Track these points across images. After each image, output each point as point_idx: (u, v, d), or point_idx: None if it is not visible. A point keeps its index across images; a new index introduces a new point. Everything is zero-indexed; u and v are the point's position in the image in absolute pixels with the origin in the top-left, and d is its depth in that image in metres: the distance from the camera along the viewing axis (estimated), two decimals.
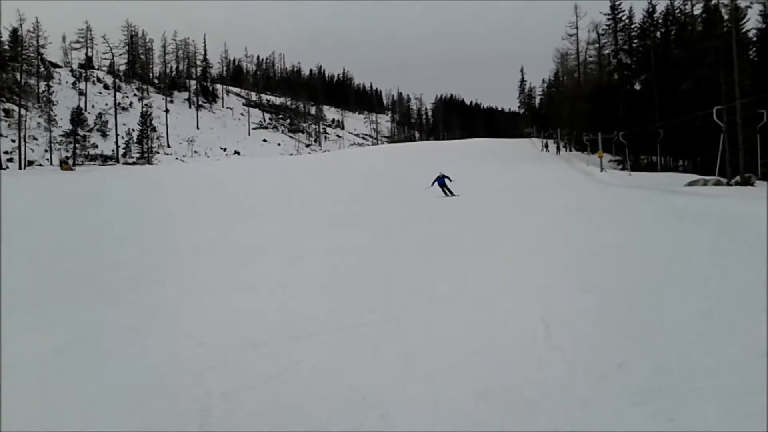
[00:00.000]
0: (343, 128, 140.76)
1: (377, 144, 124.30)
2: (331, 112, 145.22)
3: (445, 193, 24.20)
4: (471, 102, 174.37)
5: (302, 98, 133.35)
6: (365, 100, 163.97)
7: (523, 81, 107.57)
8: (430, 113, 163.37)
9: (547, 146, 63.02)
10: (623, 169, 43.01)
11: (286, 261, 9.97)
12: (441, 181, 24.62)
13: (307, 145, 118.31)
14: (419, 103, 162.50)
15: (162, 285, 8.43)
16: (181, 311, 6.92)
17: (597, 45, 64.12)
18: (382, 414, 3.95)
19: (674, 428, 3.56)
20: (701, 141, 37.48)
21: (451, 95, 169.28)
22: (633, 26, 55.90)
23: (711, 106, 31.06)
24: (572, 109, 64.12)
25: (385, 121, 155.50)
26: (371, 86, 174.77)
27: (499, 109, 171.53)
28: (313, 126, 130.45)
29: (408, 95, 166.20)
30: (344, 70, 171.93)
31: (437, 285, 7.59)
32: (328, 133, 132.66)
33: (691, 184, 27.24)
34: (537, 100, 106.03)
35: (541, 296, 6.58)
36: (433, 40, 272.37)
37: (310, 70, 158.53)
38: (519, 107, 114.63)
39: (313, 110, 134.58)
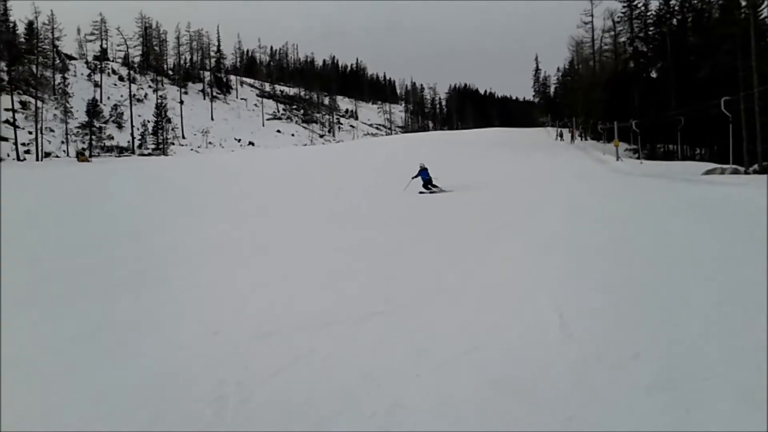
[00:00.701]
0: (356, 118, 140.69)
1: (391, 134, 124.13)
2: (344, 103, 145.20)
3: (429, 189, 21.38)
4: (485, 91, 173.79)
5: (316, 89, 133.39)
6: (379, 90, 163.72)
7: (537, 70, 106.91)
8: (443, 103, 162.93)
9: (561, 135, 62.51)
10: (638, 158, 42.65)
11: (294, 255, 9.96)
12: (425, 175, 21.72)
13: (321, 136, 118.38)
14: (433, 92, 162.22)
15: (173, 280, 8.47)
16: (192, 305, 6.96)
17: (612, 33, 63.46)
18: (395, 402, 3.98)
19: (689, 419, 3.56)
20: (718, 129, 37.07)
21: (465, 85, 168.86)
22: (649, 13, 55.19)
23: (728, 94, 30.66)
24: (587, 98, 63.51)
25: (398, 111, 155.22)
26: (385, 76, 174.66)
27: (514, 98, 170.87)
28: (327, 116, 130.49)
29: (422, 85, 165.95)
30: (357, 60, 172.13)
31: (446, 277, 7.57)
32: (341, 124, 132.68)
33: (708, 172, 26.93)
34: (552, 89, 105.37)
35: (553, 289, 6.56)
36: (447, 29, 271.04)
37: (324, 61, 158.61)
38: (533, 96, 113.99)
39: (326, 101, 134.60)
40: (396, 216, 14.99)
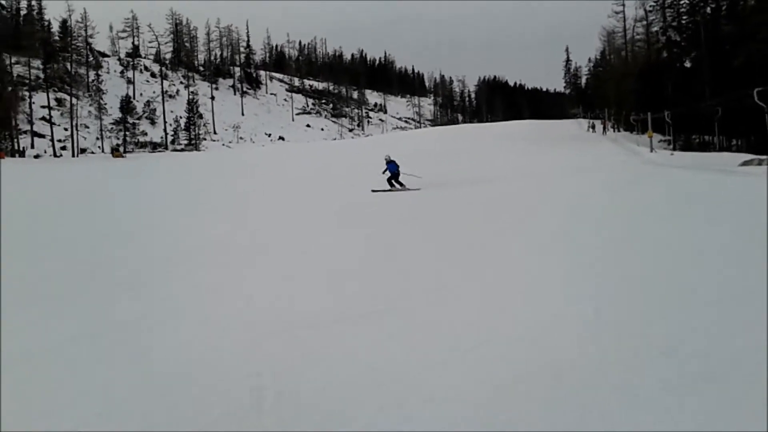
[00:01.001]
0: (385, 112, 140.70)
1: (420, 127, 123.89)
2: (373, 96, 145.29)
3: (392, 186, 19.67)
4: (515, 83, 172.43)
5: (344, 83, 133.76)
6: (407, 84, 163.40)
7: (568, 61, 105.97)
8: (473, 95, 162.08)
9: (593, 127, 61.70)
10: (674, 149, 41.93)
11: (304, 252, 9.89)
12: (393, 168, 19.90)
13: (350, 130, 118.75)
14: (462, 85, 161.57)
15: (191, 274, 8.62)
16: (200, 302, 7.04)
17: (645, 22, 62.33)
18: (421, 397, 4.01)
19: (724, 416, 3.52)
20: (755, 120, 36.23)
21: (495, 77, 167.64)
22: (682, 2, 54.05)
23: (765, 83, 29.93)
24: (619, 89, 62.60)
25: (427, 104, 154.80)
26: (413, 69, 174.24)
27: (544, 89, 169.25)
28: (356, 110, 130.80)
29: (450, 78, 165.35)
30: (386, 53, 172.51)
31: (463, 274, 7.52)
32: (370, 118, 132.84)
33: (745, 163, 26.38)
34: (583, 80, 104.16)
35: (587, 283, 6.52)
36: (476, 20, 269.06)
37: (352, 55, 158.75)
38: (564, 87, 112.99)
39: (355, 95, 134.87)
40: (416, 210, 14.90)
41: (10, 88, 70.43)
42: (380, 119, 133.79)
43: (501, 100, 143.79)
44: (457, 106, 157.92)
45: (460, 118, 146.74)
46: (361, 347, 5.03)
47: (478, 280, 7.08)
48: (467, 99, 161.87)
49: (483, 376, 4.21)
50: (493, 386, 4.05)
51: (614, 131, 60.05)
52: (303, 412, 3.93)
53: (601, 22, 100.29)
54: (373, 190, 19.44)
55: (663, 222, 9.97)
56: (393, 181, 19.86)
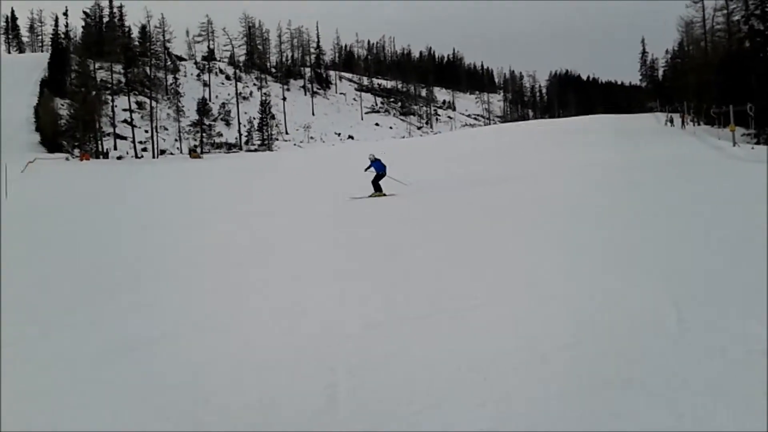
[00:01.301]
0: (454, 109, 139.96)
1: (489, 124, 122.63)
2: (441, 94, 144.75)
3: (375, 190, 18.75)
4: (588, 77, 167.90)
5: (413, 81, 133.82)
6: (476, 80, 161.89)
7: (644, 52, 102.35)
8: (544, 90, 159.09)
9: (671, 120, 59.50)
10: (758, 143, 40.01)
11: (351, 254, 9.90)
12: (380, 167, 18.90)
13: (419, 128, 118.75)
14: (532, 80, 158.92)
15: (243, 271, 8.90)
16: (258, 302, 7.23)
17: (725, 11, 59.74)
18: (503, 394, 4.06)
19: None
20: None
21: (567, 71, 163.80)
22: None
23: None
24: (699, 81, 60.25)
25: (497, 101, 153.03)
26: (482, 65, 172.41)
27: (619, 83, 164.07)
28: (424, 108, 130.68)
29: (521, 73, 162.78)
30: (454, 50, 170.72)
31: (527, 273, 7.46)
32: (439, 115, 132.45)
33: None
34: (660, 73, 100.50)
35: (669, 282, 6.39)
36: (547, 13, 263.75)
37: (420, 52, 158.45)
38: (640, 80, 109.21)
39: (423, 92, 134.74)
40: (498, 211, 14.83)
41: (94, 93, 74.12)
42: (449, 116, 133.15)
43: (573, 95, 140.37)
44: (527, 101, 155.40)
45: (531, 113, 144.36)
46: (421, 347, 5.12)
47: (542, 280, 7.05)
48: (538, 94, 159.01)
49: (536, 379, 4.25)
50: (545, 386, 4.08)
51: (693, 125, 57.73)
52: (376, 409, 4.05)
53: (678, 12, 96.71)
54: (354, 198, 18.44)
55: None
56: (378, 181, 18.86)
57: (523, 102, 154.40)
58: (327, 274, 8.54)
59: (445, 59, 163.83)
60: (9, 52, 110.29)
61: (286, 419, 4.01)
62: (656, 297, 5.68)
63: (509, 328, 5.36)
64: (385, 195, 18.51)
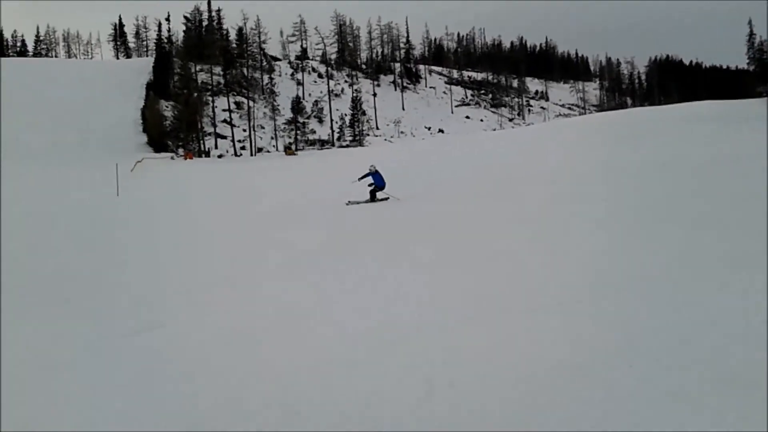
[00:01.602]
0: (547, 99, 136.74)
1: (584, 113, 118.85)
2: (534, 84, 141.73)
3: (372, 198, 18.58)
4: (690, 62, 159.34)
5: (503, 72, 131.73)
6: (570, 69, 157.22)
7: (751, 34, 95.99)
8: (643, 77, 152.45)
9: None
10: None
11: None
12: (380, 182, 18.53)
13: (510, 119, 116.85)
14: (630, 67, 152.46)
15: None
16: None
17: None
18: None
19: None
20: None
21: (667, 56, 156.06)
22: None
23: None
24: None
25: (592, 89, 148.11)
26: (576, 53, 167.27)
27: (724, 67, 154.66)
28: (516, 99, 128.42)
29: (618, 59, 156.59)
30: (547, 39, 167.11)
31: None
32: (531, 106, 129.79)
33: None
34: None
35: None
36: None
37: (511, 43, 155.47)
38: (748, 64, 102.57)
39: (515, 83, 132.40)
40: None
41: (195, 94, 77.63)
42: (541, 107, 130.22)
43: (675, 81, 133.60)
44: (625, 89, 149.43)
45: (629, 101, 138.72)
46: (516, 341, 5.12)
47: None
48: (636, 81, 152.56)
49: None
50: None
51: None
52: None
53: None
54: (348, 202, 18.51)
55: None
56: (376, 193, 18.67)
57: (621, 90, 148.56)
58: (419, 267, 8.65)
59: (538, 48, 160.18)
60: (117, 58, 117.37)
61: (387, 410, 4.15)
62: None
63: (616, 324, 5.25)
64: (379, 200, 18.60)
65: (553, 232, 10.33)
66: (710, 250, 7.71)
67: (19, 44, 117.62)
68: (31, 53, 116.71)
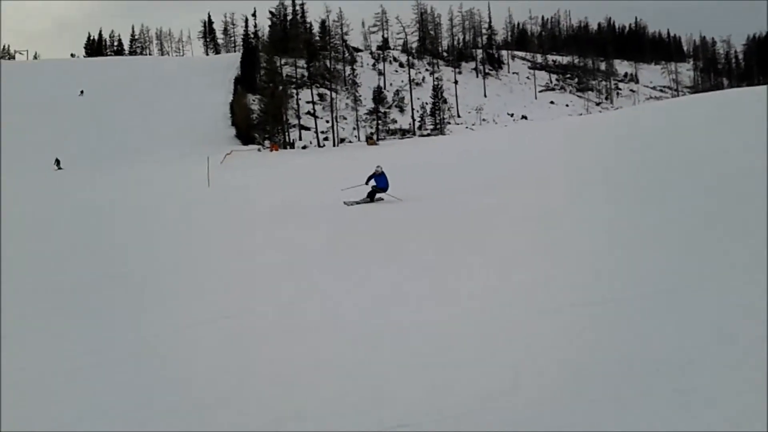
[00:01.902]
0: (636, 82, 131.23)
1: (677, 95, 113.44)
2: (622, 66, 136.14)
3: (370, 198, 18.47)
4: None
5: (590, 55, 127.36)
6: (661, 49, 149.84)
7: None
8: (740, 57, 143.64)
9: None
10: None
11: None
12: (383, 184, 18.30)
13: (597, 104, 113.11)
14: (726, 46, 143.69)
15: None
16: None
17: None
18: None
19: None
20: None
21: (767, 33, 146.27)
22: None
23: None
24: None
25: (686, 70, 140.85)
26: (668, 33, 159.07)
27: None
28: (603, 82, 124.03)
29: (713, 38, 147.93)
30: (636, 19, 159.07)
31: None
32: (620, 89, 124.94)
33: None
34: None
35: None
36: None
37: (599, 24, 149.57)
38: None
39: (602, 66, 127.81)
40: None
41: (281, 87, 79.69)
42: (631, 90, 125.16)
43: None
44: (721, 69, 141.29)
45: (726, 82, 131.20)
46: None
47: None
48: (733, 61, 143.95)
49: None
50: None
51: None
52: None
53: None
54: (346, 202, 18.46)
55: None
56: (375, 193, 18.50)
57: (716, 70, 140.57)
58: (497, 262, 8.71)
59: (627, 29, 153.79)
60: (207, 54, 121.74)
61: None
62: None
63: (692, 314, 5.19)
64: (372, 201, 18.53)
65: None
66: None
67: (116, 43, 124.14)
68: (127, 52, 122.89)
